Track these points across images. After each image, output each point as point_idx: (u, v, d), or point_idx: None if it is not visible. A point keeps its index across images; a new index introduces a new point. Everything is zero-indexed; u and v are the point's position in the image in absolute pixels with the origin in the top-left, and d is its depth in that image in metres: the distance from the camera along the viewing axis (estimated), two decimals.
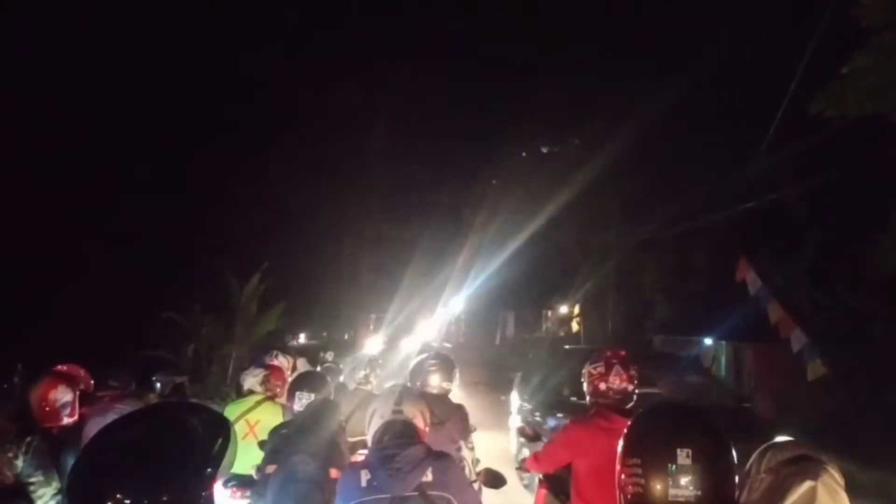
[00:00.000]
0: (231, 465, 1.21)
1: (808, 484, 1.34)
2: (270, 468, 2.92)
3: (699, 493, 1.22)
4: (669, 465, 1.23)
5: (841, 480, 1.39)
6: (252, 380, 4.20)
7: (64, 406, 3.04)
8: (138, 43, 12.36)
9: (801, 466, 1.37)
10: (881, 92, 6.54)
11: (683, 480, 1.22)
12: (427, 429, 2.23)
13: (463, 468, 3.07)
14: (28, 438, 2.67)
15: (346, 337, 22.57)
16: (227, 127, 14.57)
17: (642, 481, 1.25)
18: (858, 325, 9.11)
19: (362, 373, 4.82)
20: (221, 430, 1.20)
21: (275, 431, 3.18)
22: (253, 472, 3.52)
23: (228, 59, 14.35)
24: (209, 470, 1.14)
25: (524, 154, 18.42)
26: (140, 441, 1.10)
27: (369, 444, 2.24)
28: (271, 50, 15.69)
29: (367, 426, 2.22)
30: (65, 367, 3.65)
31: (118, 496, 1.04)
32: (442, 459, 2.14)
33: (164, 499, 1.06)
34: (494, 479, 3.16)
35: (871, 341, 8.96)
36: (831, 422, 8.87)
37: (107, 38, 11.72)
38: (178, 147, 13.07)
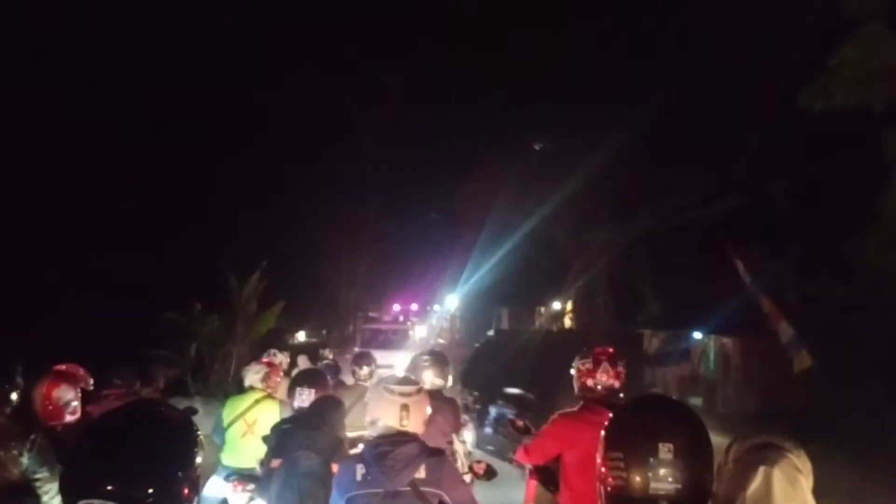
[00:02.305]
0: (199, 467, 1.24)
1: (764, 470, 1.37)
2: (275, 462, 2.99)
3: (679, 486, 1.23)
4: (651, 459, 1.24)
5: (804, 467, 1.42)
6: (253, 376, 4.27)
7: (67, 404, 3.08)
8: (136, 42, 12.27)
9: (761, 454, 1.41)
10: (867, 83, 6.61)
11: (664, 474, 1.23)
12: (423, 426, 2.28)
13: (455, 461, 3.14)
14: (32, 436, 2.73)
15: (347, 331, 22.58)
16: (227, 127, 14.51)
17: (624, 474, 1.26)
18: (846, 317, 9.20)
19: (366, 369, 4.90)
20: (194, 433, 1.24)
21: (277, 427, 3.24)
22: (254, 467, 3.60)
23: (226, 58, 14.29)
24: (191, 469, 1.18)
25: (519, 151, 18.45)
26: (128, 435, 1.15)
27: (367, 439, 2.29)
28: (270, 49, 15.63)
29: (366, 419, 2.26)
30: (64, 367, 3.70)
31: (108, 487, 1.09)
32: (435, 456, 2.21)
33: (150, 491, 1.11)
34: (486, 472, 3.23)
35: (859, 334, 9.06)
36: (815, 413, 8.99)
37: (105, 36, 11.63)
38: (178, 147, 13.03)
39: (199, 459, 1.22)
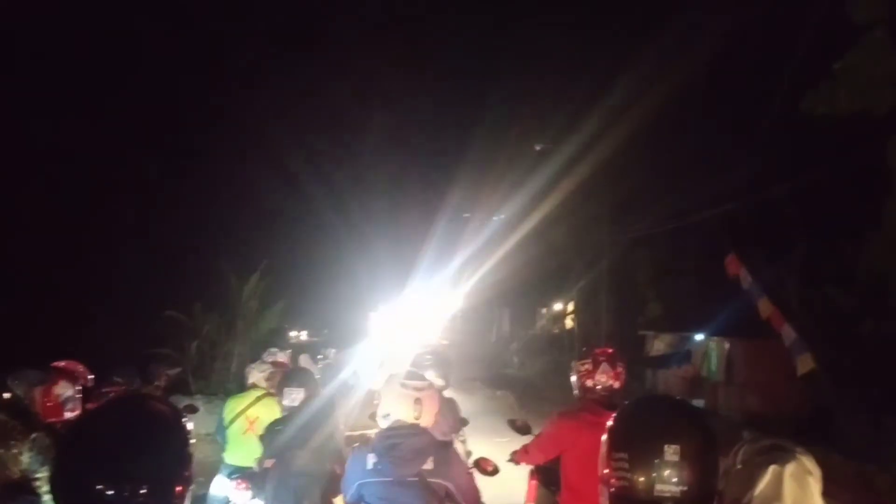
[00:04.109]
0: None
1: (774, 469, 1.37)
2: (269, 462, 2.99)
3: (684, 488, 1.22)
4: (656, 460, 1.22)
5: (813, 469, 1.41)
6: (258, 374, 4.28)
7: (67, 401, 3.07)
8: (137, 42, 12.33)
9: (770, 455, 1.40)
10: (871, 88, 6.61)
11: (669, 475, 1.22)
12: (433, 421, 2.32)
13: (465, 464, 3.15)
14: (33, 435, 2.71)
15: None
16: (226, 127, 14.55)
17: (628, 475, 1.24)
18: (847, 321, 9.19)
19: (366, 369, 4.90)
20: (184, 429, 1.21)
21: (271, 427, 3.25)
22: (254, 466, 3.60)
23: (225, 56, 14.33)
24: (183, 466, 1.15)
25: (522, 152, 18.43)
26: (116, 434, 1.12)
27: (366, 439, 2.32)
28: (269, 49, 15.67)
29: (378, 412, 2.30)
30: (63, 364, 3.70)
31: (98, 487, 1.06)
32: (443, 449, 2.30)
33: (142, 491, 1.08)
34: (491, 470, 3.24)
35: (861, 338, 9.04)
36: (819, 416, 8.96)
37: (107, 38, 11.68)
38: (180, 148, 13.08)
39: (191, 455, 1.19)
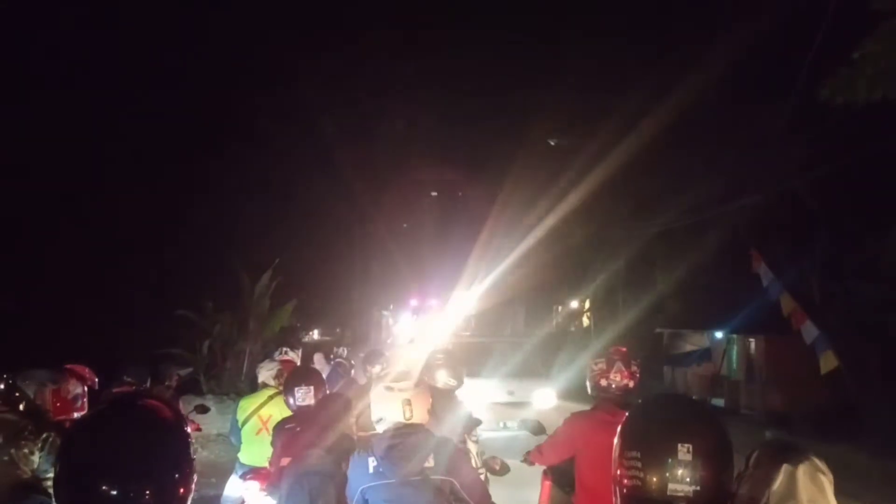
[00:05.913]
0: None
1: (787, 468, 1.37)
2: (285, 461, 2.98)
3: (698, 487, 1.20)
4: (669, 459, 1.21)
5: (826, 470, 1.41)
6: (266, 373, 4.29)
7: (75, 399, 3.14)
8: (140, 40, 12.40)
9: (782, 455, 1.41)
10: (891, 77, 6.45)
11: (682, 475, 1.21)
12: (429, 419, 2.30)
13: (469, 461, 3.12)
14: (44, 435, 2.73)
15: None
16: (237, 125, 14.66)
17: (641, 475, 1.23)
18: (872, 316, 8.99)
19: (378, 368, 4.89)
20: (185, 430, 1.19)
21: (280, 425, 3.24)
22: (268, 465, 3.59)
23: (235, 54, 14.40)
24: (185, 467, 1.14)
25: (538, 147, 18.29)
26: (120, 435, 1.11)
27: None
28: (277, 46, 15.71)
29: (372, 418, 2.29)
30: (70, 366, 3.75)
31: (103, 487, 1.05)
32: (444, 446, 2.29)
33: (147, 493, 1.07)
34: (501, 467, 3.22)
35: (886, 332, 8.84)
36: (843, 414, 8.77)
37: (108, 37, 11.78)
38: (188, 146, 13.18)
39: (193, 457, 1.18)
